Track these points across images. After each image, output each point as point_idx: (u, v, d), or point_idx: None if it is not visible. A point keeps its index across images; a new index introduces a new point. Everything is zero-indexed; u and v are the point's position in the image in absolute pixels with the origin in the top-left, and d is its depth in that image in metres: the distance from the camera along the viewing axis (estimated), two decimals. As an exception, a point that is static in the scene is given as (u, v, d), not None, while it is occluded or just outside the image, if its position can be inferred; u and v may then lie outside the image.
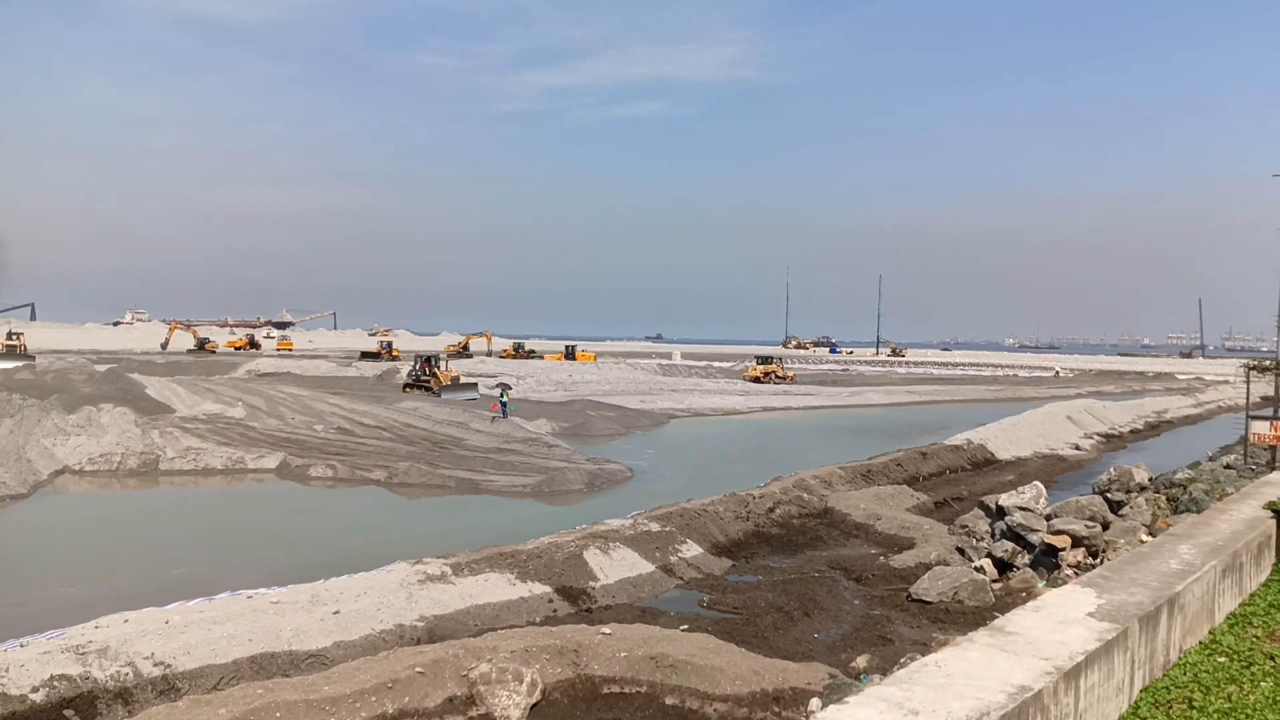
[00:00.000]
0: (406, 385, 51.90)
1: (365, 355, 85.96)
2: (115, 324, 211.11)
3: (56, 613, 12.56)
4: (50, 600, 14.12)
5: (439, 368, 52.20)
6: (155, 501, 24.35)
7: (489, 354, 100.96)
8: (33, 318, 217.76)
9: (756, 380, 71.11)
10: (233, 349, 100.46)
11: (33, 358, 66.41)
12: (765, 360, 77.03)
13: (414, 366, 53.46)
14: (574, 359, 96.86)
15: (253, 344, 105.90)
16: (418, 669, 9.89)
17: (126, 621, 11.17)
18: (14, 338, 75.06)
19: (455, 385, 50.34)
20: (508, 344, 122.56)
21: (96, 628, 10.96)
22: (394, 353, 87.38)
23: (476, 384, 52.36)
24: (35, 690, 9.47)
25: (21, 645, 10.34)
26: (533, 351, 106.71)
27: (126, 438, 29.27)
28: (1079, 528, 15.42)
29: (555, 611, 13.88)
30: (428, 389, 50.00)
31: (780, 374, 73.78)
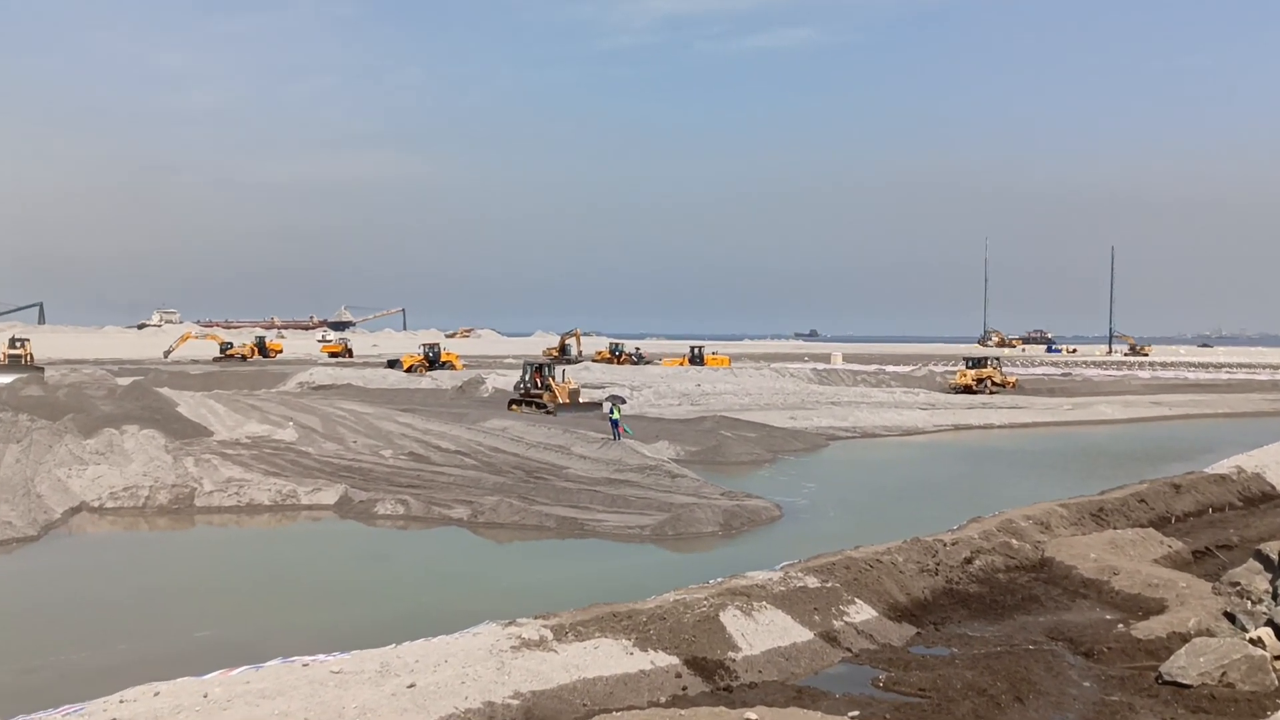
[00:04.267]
0: (513, 401, 52.68)
1: (392, 364, 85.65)
2: (140, 327, 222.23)
3: (74, 683, 13.21)
4: (66, 666, 14.87)
5: (554, 378, 52.41)
6: (190, 545, 25.45)
7: (579, 357, 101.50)
8: (41, 320, 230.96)
9: (966, 389, 70.94)
10: (238, 357, 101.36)
11: (41, 369, 70.20)
12: (978, 363, 75.99)
13: (523, 377, 54.06)
14: (701, 363, 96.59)
15: (261, 350, 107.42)
16: (512, 760, 10.04)
17: (157, 695, 11.66)
18: (18, 345, 77.70)
19: (576, 402, 50.51)
20: (606, 345, 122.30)
21: (121, 702, 11.48)
22: (446, 357, 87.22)
23: (602, 403, 52.46)
24: (52, 776, 9.98)
25: (35, 723, 10.91)
26: (637, 354, 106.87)
27: (155, 467, 30.69)
28: (1398, 587, 14.57)
29: (684, 689, 13.89)
30: (540, 406, 50.40)
31: (999, 380, 73.26)
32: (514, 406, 51.76)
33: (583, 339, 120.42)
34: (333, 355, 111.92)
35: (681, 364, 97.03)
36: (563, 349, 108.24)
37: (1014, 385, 74.86)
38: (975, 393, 69.75)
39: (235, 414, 44.97)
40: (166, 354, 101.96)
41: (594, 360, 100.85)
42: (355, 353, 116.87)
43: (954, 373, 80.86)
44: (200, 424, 41.51)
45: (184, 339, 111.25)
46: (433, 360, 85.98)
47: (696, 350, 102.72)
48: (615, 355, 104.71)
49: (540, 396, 51.17)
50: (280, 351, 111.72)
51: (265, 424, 41.41)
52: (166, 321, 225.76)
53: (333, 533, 26.01)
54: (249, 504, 28.22)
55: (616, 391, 58.20)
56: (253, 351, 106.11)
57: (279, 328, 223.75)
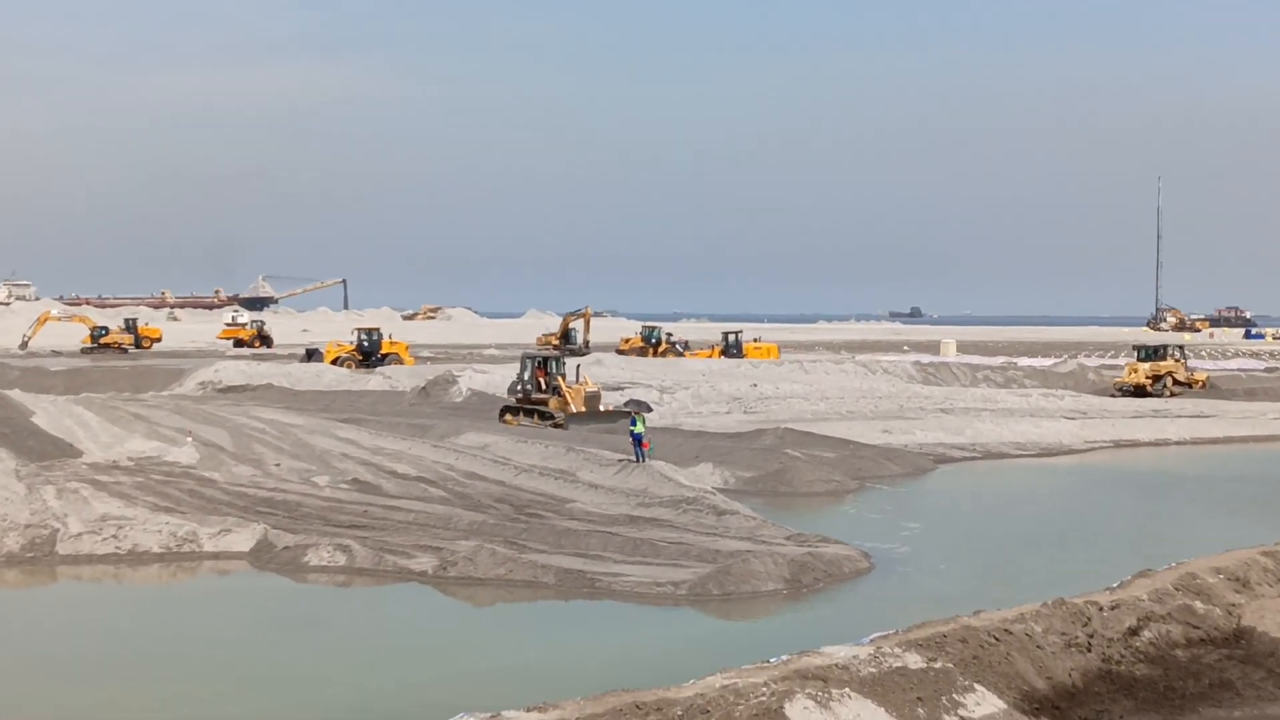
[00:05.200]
0: (507, 409, 53.01)
1: (310, 357, 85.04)
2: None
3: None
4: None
5: (564, 378, 52.64)
6: (50, 607, 25.52)
7: (584, 348, 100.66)
8: None
9: (1137, 390, 70.94)
10: (117, 347, 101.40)
11: None
12: (1155, 353, 75.54)
13: (521, 376, 54.27)
14: (739, 354, 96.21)
15: (137, 340, 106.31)
16: None
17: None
18: None
19: (595, 410, 50.79)
20: (634, 329, 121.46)
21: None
22: (388, 347, 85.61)
23: (632, 413, 52.33)
24: None
25: None
26: (681, 343, 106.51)
27: (2, 500, 30.72)
28: None
29: (737, 812, 13.82)
30: (545, 415, 50.63)
31: (1183, 377, 73.54)
32: (508, 416, 51.82)
33: (593, 321, 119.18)
34: (238, 344, 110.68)
35: (712, 355, 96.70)
36: (565, 335, 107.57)
37: (1204, 385, 74.61)
38: (1150, 395, 69.52)
39: (113, 427, 45.10)
40: (23, 344, 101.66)
41: (619, 350, 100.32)
42: (276, 340, 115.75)
43: (1114, 367, 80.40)
44: (64, 440, 41.63)
45: (42, 321, 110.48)
46: (369, 351, 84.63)
47: (733, 337, 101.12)
48: (652, 344, 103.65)
49: (545, 403, 51.24)
50: (158, 339, 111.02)
51: (154, 440, 41.49)
52: (16, 297, 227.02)
53: (248, 590, 26.03)
54: (131, 551, 28.20)
55: (639, 394, 58.05)
56: (122, 340, 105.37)
57: (172, 306, 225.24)
